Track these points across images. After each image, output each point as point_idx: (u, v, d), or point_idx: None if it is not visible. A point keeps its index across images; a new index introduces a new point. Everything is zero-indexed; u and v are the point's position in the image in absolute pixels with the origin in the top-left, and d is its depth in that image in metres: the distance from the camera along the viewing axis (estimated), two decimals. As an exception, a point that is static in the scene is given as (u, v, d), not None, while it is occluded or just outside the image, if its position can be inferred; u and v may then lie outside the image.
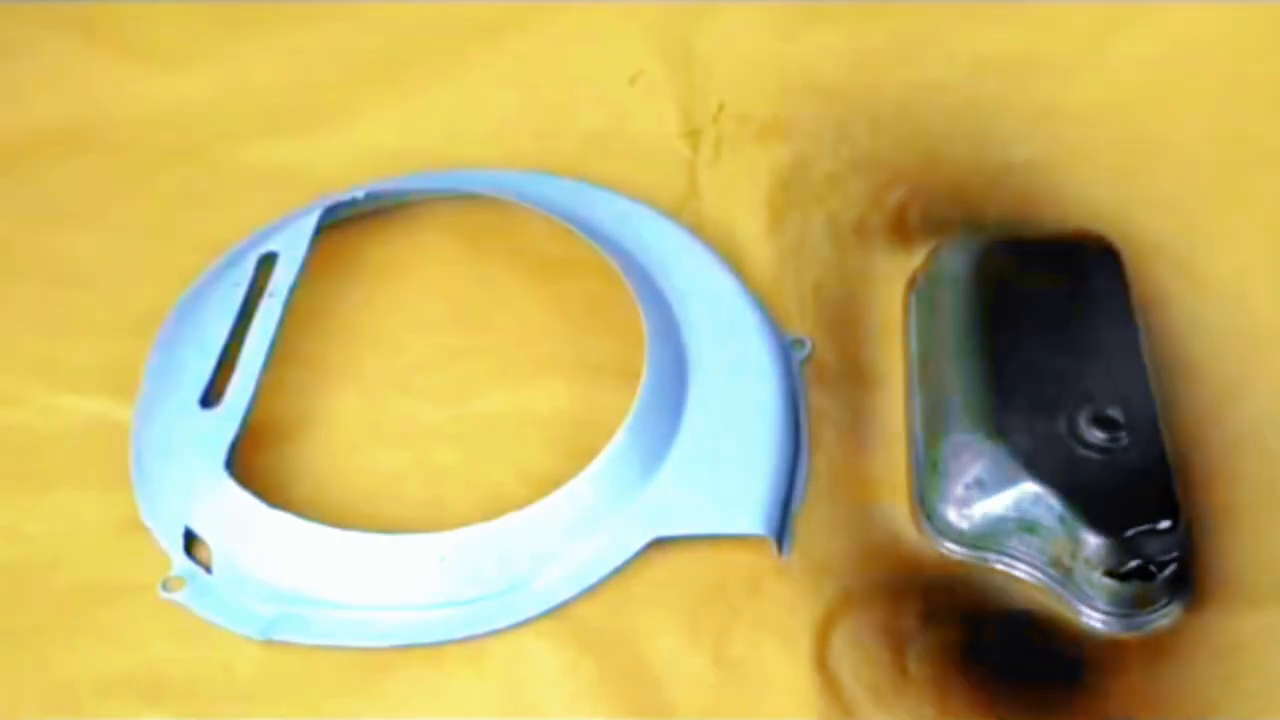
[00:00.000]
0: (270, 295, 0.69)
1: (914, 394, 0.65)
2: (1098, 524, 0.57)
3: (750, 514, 0.61)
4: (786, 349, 0.68)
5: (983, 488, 0.60)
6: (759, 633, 0.58)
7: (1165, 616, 0.58)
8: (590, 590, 0.60)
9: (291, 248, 0.71)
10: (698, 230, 0.73)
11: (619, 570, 0.60)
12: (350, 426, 0.67)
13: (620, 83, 0.82)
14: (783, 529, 0.60)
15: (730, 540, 0.61)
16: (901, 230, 0.73)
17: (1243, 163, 0.75)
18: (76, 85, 0.83)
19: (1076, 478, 0.58)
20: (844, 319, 0.70)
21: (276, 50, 0.85)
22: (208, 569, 0.61)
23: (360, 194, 0.74)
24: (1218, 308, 0.69)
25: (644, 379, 0.63)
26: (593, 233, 0.70)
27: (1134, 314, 0.65)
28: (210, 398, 0.65)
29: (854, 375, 0.67)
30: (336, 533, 0.60)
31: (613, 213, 0.74)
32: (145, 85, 0.83)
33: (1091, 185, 0.74)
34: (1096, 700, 0.56)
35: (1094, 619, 0.58)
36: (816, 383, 0.67)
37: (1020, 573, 0.60)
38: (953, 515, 0.60)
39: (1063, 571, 0.59)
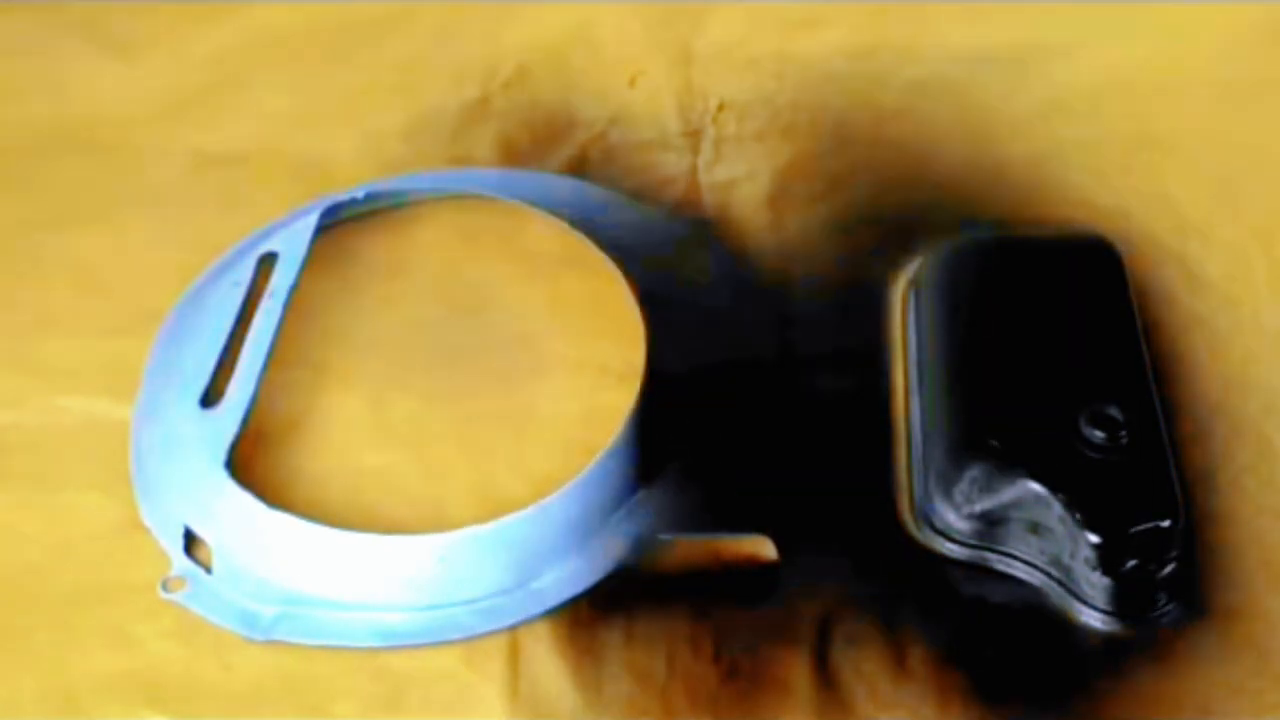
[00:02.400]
0: (270, 295, 0.69)
1: (914, 393, 0.65)
2: (1097, 523, 0.57)
3: (750, 514, 0.61)
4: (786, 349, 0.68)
5: (982, 487, 0.60)
6: (759, 633, 0.58)
7: (1165, 616, 0.58)
8: (590, 590, 0.60)
9: (291, 248, 0.71)
10: (698, 230, 0.73)
11: (619, 570, 0.60)
12: (350, 426, 0.67)
13: (620, 83, 0.82)
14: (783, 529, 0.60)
15: (730, 540, 0.61)
16: (902, 229, 0.73)
17: (1244, 161, 0.75)
18: (76, 84, 0.83)
19: (1076, 477, 0.58)
20: (844, 319, 0.70)
21: (277, 48, 0.85)
22: (208, 569, 0.61)
23: (360, 194, 0.74)
24: (1218, 306, 0.68)
25: (643, 379, 0.63)
26: (593, 233, 0.70)
27: (1133, 313, 0.65)
28: (210, 398, 0.65)
29: (854, 375, 0.67)
30: (336, 533, 0.60)
31: (613, 213, 0.74)
32: (144, 84, 0.83)
33: (1091, 184, 0.74)
34: (1096, 700, 0.56)
35: (1094, 618, 0.58)
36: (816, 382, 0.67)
37: (1020, 572, 0.60)
38: (952, 515, 0.60)
39: (1063, 571, 0.58)
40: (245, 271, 0.70)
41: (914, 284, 0.70)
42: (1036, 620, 0.59)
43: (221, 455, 0.62)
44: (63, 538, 0.62)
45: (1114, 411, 0.60)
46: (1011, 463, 0.59)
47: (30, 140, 0.80)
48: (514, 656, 0.58)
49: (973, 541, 0.60)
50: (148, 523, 0.62)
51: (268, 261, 0.71)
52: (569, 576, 0.60)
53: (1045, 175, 0.75)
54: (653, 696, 0.57)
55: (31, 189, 0.78)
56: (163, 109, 0.82)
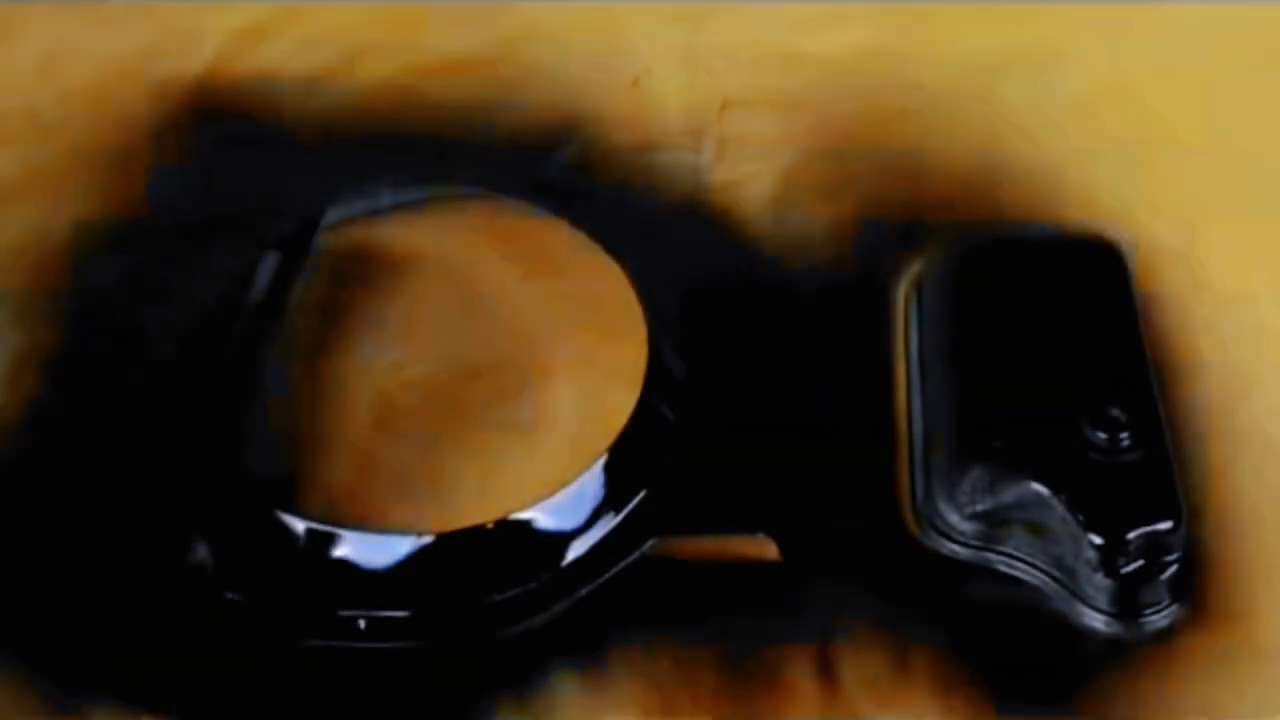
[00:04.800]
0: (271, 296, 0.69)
1: (915, 394, 0.65)
2: (1099, 525, 0.57)
3: (750, 514, 0.60)
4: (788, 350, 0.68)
5: (984, 489, 0.60)
6: (759, 633, 0.58)
7: (1167, 618, 0.58)
8: (590, 590, 0.60)
9: (292, 248, 0.71)
10: (700, 231, 0.73)
11: (619, 570, 0.60)
12: (350, 426, 0.67)
13: (623, 82, 0.82)
14: (784, 529, 0.60)
15: (730, 540, 0.60)
16: (905, 231, 0.73)
17: (1248, 163, 0.75)
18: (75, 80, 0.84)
19: (1078, 478, 0.58)
20: (847, 320, 0.70)
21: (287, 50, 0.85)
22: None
23: (361, 194, 0.74)
24: (1222, 308, 0.68)
25: (644, 379, 0.63)
26: (593, 233, 0.70)
27: (1136, 314, 0.65)
28: (210, 397, 0.65)
29: (857, 376, 0.67)
30: (338, 533, 0.60)
31: (614, 213, 0.74)
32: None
33: (1095, 185, 0.74)
34: (1098, 701, 0.56)
35: (1096, 620, 0.58)
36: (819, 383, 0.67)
37: (1023, 573, 0.60)
38: (955, 516, 0.60)
39: (1064, 572, 0.58)
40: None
41: (917, 285, 0.70)
42: (1039, 621, 0.58)
43: (222, 455, 0.62)
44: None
45: (1116, 413, 0.60)
46: (1014, 464, 0.59)
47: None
48: (517, 656, 0.58)
49: (975, 543, 0.60)
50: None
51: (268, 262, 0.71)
52: (571, 576, 0.60)
53: (1049, 177, 0.75)
54: (655, 696, 0.57)
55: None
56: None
